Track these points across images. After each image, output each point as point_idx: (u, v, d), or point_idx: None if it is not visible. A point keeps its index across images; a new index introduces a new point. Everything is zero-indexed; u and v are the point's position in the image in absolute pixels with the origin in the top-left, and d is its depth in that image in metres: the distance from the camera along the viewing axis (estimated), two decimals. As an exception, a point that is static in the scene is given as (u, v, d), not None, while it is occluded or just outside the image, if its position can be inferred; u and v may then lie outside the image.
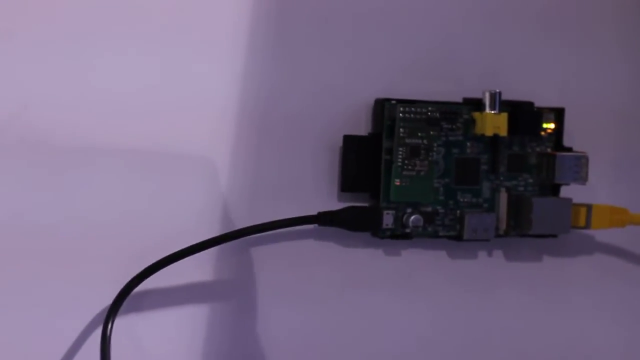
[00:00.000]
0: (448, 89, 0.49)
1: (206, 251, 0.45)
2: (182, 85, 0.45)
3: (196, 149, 0.45)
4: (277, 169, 0.46)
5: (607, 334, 0.52)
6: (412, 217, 0.47)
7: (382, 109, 0.47)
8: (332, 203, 0.47)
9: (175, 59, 0.45)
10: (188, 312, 0.45)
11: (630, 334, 0.53)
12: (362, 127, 0.48)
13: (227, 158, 0.46)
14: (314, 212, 0.46)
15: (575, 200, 0.50)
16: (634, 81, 0.52)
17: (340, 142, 0.47)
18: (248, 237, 0.46)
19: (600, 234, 0.52)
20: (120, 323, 0.43)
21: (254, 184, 0.46)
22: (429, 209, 0.48)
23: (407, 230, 0.47)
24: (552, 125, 0.50)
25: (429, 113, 0.47)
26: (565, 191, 0.50)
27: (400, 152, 0.47)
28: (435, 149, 0.48)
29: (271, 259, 0.47)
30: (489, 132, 0.48)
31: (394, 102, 0.47)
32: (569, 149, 0.50)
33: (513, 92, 0.49)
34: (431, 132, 0.47)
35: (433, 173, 0.48)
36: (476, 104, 0.48)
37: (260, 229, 0.45)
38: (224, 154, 0.46)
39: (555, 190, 0.50)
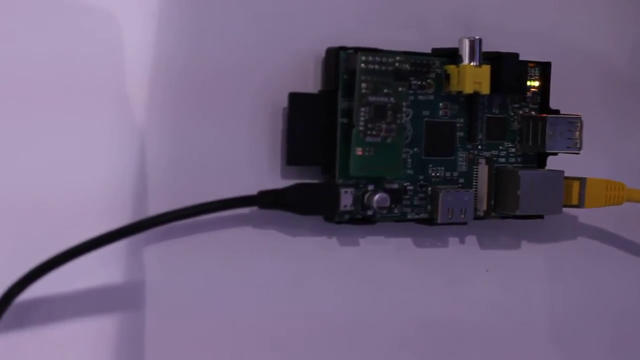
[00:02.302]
0: (411, 38, 0.37)
1: (114, 245, 0.32)
2: (83, 30, 0.32)
3: (100, 112, 0.33)
4: (205, 137, 0.35)
5: (602, 329, 0.41)
6: (377, 197, 0.35)
7: (337, 59, 0.35)
8: (275, 180, 0.35)
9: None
10: (90, 325, 0.33)
11: (623, 330, 0.41)
12: (309, 84, 0.35)
13: (141, 124, 0.33)
14: (252, 192, 0.34)
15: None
16: (628, 37, 0.41)
17: (284, 103, 0.35)
18: (168, 225, 0.33)
19: (593, 214, 0.40)
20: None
21: (175, 157, 0.34)
22: (395, 185, 0.36)
23: (369, 213, 0.35)
24: (536, 83, 0.38)
25: (397, 64, 0.35)
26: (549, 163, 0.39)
27: (363, 113, 0.34)
28: (404, 109, 0.35)
29: (198, 253, 0.35)
30: (468, 89, 0.36)
31: (351, 50, 0.34)
32: (557, 112, 0.38)
33: (484, 44, 0.37)
34: (399, 89, 0.35)
35: (402, 140, 0.35)
36: (450, 56, 0.36)
37: (184, 215, 0.33)
38: (136, 118, 0.33)
39: (540, 161, 0.39)
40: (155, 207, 0.34)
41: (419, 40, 0.38)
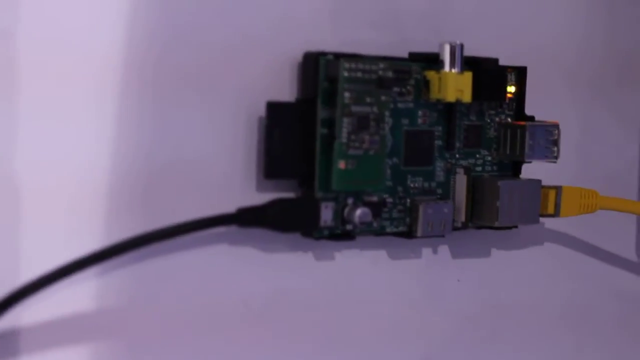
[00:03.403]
0: (386, 40, 0.34)
1: (81, 274, 0.29)
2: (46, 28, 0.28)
3: (63, 119, 0.29)
4: (175, 149, 0.31)
5: (576, 338, 0.39)
6: (359, 211, 0.33)
7: (316, 65, 0.32)
8: (250, 194, 0.32)
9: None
10: (59, 356, 0.29)
11: (595, 339, 0.40)
12: (284, 91, 0.32)
13: (105, 134, 0.30)
14: (227, 207, 0.31)
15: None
16: (596, 40, 0.39)
17: (260, 112, 0.32)
18: (138, 250, 0.30)
19: (566, 222, 0.38)
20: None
21: (143, 173, 0.31)
22: (375, 198, 0.33)
23: (349, 228, 0.33)
24: (512, 89, 0.36)
25: (380, 72, 0.32)
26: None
27: (345, 125, 0.32)
28: (386, 119, 0.33)
29: (171, 279, 0.31)
30: (450, 98, 0.34)
31: (331, 56, 0.32)
32: (532, 118, 0.37)
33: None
34: (382, 98, 0.33)
35: (385, 151, 0.33)
36: (429, 61, 0.34)
37: (158, 237, 0.30)
38: (100, 127, 0.30)
39: (515, 169, 0.37)
40: (126, 227, 0.31)
41: (391, 41, 0.35)
